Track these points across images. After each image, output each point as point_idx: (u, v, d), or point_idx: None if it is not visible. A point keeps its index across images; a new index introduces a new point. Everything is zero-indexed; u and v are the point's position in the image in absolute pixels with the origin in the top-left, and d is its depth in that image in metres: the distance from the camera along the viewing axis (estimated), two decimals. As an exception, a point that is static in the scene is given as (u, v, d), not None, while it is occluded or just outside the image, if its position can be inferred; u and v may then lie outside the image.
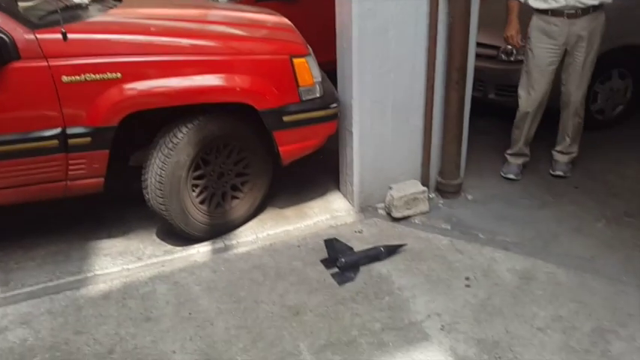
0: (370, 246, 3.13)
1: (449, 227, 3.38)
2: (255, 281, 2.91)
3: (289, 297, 2.79)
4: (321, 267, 3.01)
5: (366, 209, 3.56)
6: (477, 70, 3.61)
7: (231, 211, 3.33)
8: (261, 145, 3.28)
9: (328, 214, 3.53)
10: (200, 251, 3.17)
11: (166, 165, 2.98)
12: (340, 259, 2.99)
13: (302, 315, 2.67)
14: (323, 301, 2.76)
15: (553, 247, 3.16)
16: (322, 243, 3.19)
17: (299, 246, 3.21)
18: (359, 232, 3.34)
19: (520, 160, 3.99)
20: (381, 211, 3.54)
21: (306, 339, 2.53)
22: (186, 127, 3.00)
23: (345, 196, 3.71)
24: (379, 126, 3.43)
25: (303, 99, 3.19)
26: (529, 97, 3.74)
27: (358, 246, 3.16)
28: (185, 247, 3.20)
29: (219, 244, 3.23)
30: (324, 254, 3.10)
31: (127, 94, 2.81)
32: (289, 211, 3.56)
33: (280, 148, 3.22)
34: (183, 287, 2.88)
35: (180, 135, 2.98)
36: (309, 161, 3.51)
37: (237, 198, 3.36)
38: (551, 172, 3.98)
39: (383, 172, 3.54)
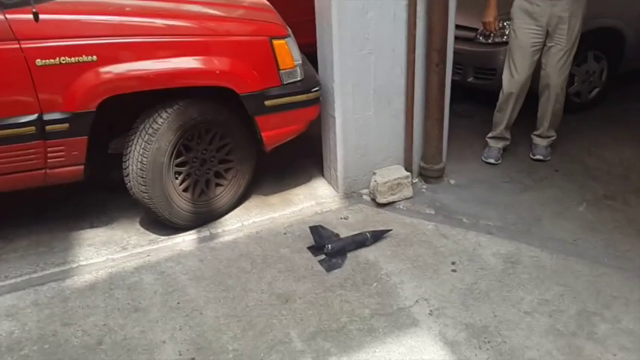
0: (356, 232, 3.14)
1: (433, 212, 3.40)
2: (242, 269, 2.90)
3: (278, 285, 2.79)
4: (309, 254, 3.01)
5: (350, 195, 3.56)
6: (455, 53, 3.63)
7: (216, 199, 3.30)
8: (244, 130, 3.25)
9: (313, 200, 3.52)
10: (185, 240, 3.14)
11: (147, 152, 2.93)
12: (327, 246, 2.99)
13: (291, 302, 2.67)
14: (311, 288, 2.77)
15: (536, 230, 3.21)
16: (308, 230, 3.17)
17: (285, 233, 3.20)
18: (344, 218, 3.35)
19: (500, 144, 4.02)
20: (365, 197, 3.55)
21: (296, 326, 2.53)
22: (167, 112, 2.96)
23: (329, 182, 3.71)
24: (361, 110, 3.42)
25: (285, 82, 3.15)
26: (512, 79, 3.77)
27: (344, 232, 3.17)
28: (170, 237, 3.17)
29: (205, 232, 3.21)
30: (311, 241, 3.09)
31: (103, 77, 2.75)
32: (274, 199, 3.55)
33: (263, 134, 3.20)
34: (170, 277, 2.85)
35: (160, 120, 2.94)
36: (292, 147, 3.49)
37: (221, 185, 3.33)
38: (531, 156, 4.03)
39: (366, 158, 3.54)
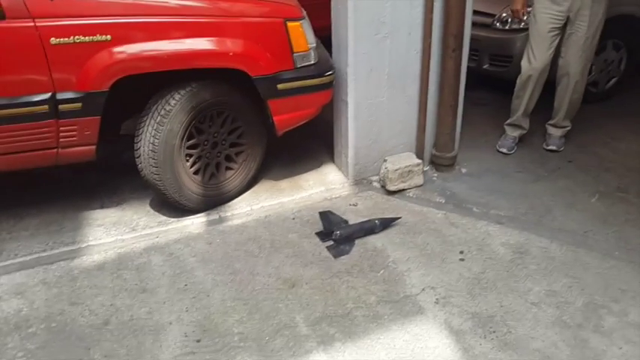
0: (365, 219, 3.13)
1: (443, 201, 3.38)
2: (250, 253, 2.91)
3: (285, 269, 2.79)
4: (317, 239, 3.01)
5: (360, 182, 3.55)
6: (472, 39, 3.58)
7: (226, 183, 3.30)
8: (255, 114, 3.24)
9: (323, 186, 3.52)
10: (194, 223, 3.15)
11: (159, 133, 2.93)
12: (336, 232, 2.98)
13: (298, 287, 2.67)
14: (318, 273, 2.77)
15: (547, 221, 3.18)
16: (317, 215, 3.18)
17: (294, 218, 3.20)
18: (354, 204, 3.34)
19: (517, 133, 3.98)
20: (375, 184, 3.53)
21: (302, 311, 2.53)
22: (179, 93, 2.95)
23: (339, 168, 3.69)
24: (374, 96, 3.38)
25: (298, 66, 3.12)
26: (530, 65, 3.72)
27: (353, 219, 3.16)
28: (179, 219, 3.18)
29: (214, 215, 3.22)
30: (319, 227, 3.09)
31: (116, 57, 2.74)
32: (284, 183, 3.54)
33: (275, 118, 3.18)
34: (179, 258, 2.87)
35: (173, 102, 2.93)
36: (303, 132, 3.48)
37: (231, 169, 3.33)
38: (544, 146, 3.99)
39: (378, 144, 3.52)
